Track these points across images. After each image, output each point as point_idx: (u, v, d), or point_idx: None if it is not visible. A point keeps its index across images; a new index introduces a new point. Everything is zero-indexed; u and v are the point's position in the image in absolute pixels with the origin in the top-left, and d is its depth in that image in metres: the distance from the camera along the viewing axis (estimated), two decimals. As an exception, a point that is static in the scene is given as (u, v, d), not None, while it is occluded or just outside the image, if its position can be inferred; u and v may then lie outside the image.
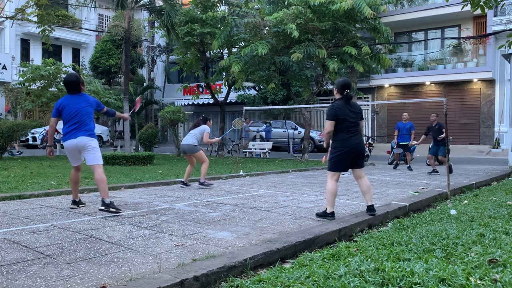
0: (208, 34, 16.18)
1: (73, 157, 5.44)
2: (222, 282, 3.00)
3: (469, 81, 21.53)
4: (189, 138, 8.03)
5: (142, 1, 16.00)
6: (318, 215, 5.10)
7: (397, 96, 23.48)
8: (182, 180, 8.14)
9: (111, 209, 5.15)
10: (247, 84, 9.19)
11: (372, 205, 5.12)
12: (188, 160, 8.25)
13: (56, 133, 15.48)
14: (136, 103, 7.19)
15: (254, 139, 19.70)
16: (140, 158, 12.26)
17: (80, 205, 5.68)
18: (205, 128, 8.08)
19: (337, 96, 5.10)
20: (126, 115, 6.50)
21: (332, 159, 5.06)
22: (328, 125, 5.01)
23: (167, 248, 3.71)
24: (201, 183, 8.06)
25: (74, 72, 5.92)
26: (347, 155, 4.99)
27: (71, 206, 5.62)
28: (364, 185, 5.16)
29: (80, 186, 7.35)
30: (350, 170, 5.24)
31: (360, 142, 5.10)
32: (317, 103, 22.82)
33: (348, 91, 5.00)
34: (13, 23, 18.63)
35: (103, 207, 5.21)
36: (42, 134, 21.16)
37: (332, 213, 4.97)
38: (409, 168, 12.19)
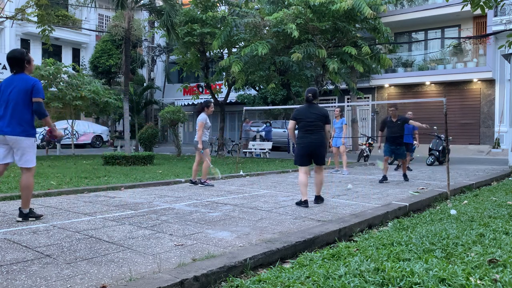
0: (208, 34, 16.18)
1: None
2: (222, 282, 3.00)
3: (469, 81, 21.52)
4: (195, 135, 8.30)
5: (142, 1, 15.98)
6: (296, 203, 5.93)
7: (397, 96, 23.46)
8: (200, 179, 8.21)
9: (29, 219, 4.75)
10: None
11: (319, 196, 6.04)
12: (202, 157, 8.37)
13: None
14: None
15: (254, 139, 19.70)
16: (140, 158, 12.26)
17: None
18: (199, 119, 8.13)
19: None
20: (59, 133, 5.17)
21: (295, 153, 6.05)
22: (289, 124, 6.05)
23: (167, 248, 3.71)
24: (202, 183, 8.10)
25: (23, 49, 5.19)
26: (303, 150, 5.84)
27: None
28: (317, 179, 6.03)
29: (79, 186, 7.36)
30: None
31: (317, 142, 5.80)
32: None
33: (310, 95, 5.88)
34: (13, 23, 18.59)
35: (20, 218, 4.72)
36: (42, 134, 21.16)
37: (305, 201, 5.72)
38: (409, 169, 12.18)
